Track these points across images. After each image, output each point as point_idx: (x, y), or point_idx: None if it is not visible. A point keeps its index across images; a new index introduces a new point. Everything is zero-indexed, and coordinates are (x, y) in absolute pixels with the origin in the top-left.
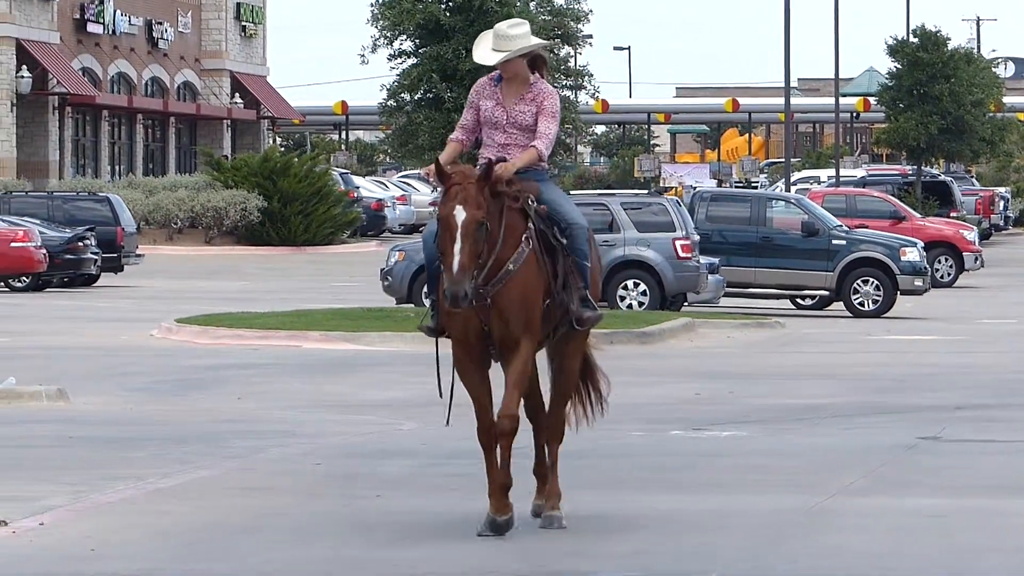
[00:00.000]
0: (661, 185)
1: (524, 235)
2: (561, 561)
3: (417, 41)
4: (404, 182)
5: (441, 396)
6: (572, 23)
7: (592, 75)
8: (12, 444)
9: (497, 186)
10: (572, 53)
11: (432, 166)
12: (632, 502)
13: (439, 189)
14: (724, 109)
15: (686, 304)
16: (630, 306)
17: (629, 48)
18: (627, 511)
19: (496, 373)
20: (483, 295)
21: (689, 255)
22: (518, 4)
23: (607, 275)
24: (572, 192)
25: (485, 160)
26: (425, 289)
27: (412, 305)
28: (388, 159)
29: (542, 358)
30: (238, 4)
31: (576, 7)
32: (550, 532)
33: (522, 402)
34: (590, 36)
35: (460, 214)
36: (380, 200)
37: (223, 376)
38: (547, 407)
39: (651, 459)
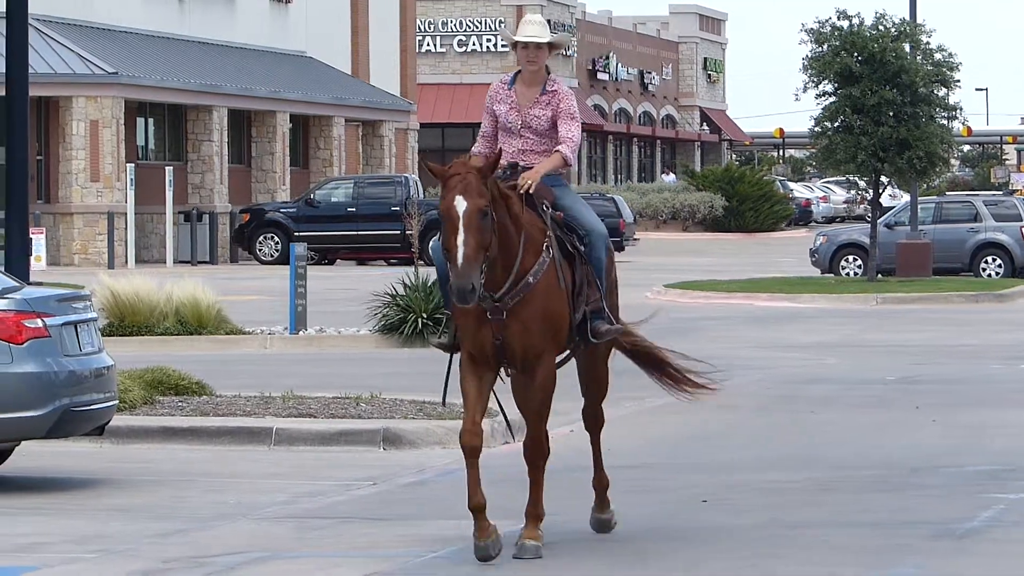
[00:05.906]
0: (1011, 188)
1: (545, 244)
2: (943, 458)
3: (835, 84)
4: (825, 186)
5: (444, 406)
6: (947, 71)
7: (962, 109)
8: None
9: (521, 193)
10: (948, 92)
11: (435, 165)
12: (994, 415)
13: (440, 186)
14: None
15: None
16: (989, 275)
17: (987, 89)
18: (992, 422)
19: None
20: (500, 308)
21: None
22: (908, 57)
23: (972, 252)
24: (947, 193)
25: (505, 166)
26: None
27: (832, 275)
28: (813, 169)
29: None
30: (705, 59)
31: (950, 60)
32: (934, 436)
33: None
34: (959, 81)
35: (461, 204)
36: (808, 199)
37: (699, 325)
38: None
39: (1007, 385)
